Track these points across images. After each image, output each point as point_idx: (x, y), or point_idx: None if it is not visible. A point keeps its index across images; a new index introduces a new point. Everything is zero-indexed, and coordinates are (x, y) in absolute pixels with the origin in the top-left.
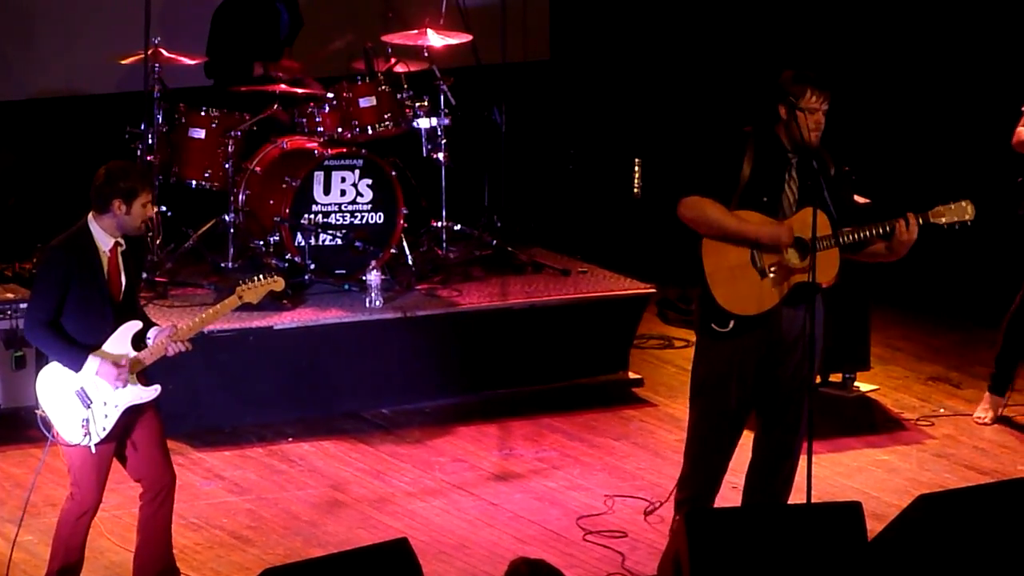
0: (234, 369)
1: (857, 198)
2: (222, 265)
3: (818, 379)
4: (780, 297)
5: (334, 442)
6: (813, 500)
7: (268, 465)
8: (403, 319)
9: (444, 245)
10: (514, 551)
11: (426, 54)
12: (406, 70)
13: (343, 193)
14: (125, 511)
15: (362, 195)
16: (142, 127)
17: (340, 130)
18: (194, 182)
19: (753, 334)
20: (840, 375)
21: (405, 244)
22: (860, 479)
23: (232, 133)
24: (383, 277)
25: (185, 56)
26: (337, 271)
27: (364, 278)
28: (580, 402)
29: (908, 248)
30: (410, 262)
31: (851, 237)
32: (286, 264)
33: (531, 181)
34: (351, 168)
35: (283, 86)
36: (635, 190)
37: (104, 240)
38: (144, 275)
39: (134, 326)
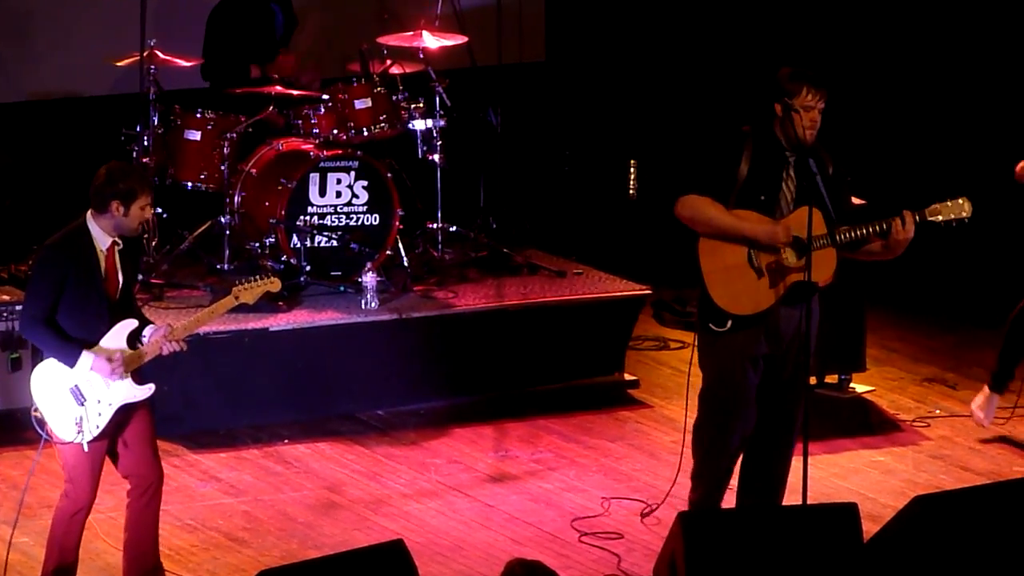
0: (230, 371)
1: (853, 199)
2: (218, 267)
3: (813, 380)
4: (777, 297)
5: (330, 444)
6: (809, 501)
7: (264, 467)
8: (399, 321)
9: (440, 247)
10: (510, 552)
11: (422, 56)
12: (402, 72)
13: (339, 195)
14: (120, 513)
15: (358, 197)
16: (138, 129)
17: (336, 132)
18: (190, 184)
19: (751, 333)
20: (836, 376)
21: (401, 246)
22: (856, 480)
23: (228, 135)
24: (379, 279)
25: (181, 58)
26: (333, 273)
27: (360, 280)
28: (576, 404)
29: (905, 246)
30: (406, 264)
31: (848, 236)
32: (282, 266)
33: (527, 183)
34: (347, 170)
35: (279, 88)
36: (631, 192)
37: (102, 239)
38: (140, 277)
39: (130, 324)
